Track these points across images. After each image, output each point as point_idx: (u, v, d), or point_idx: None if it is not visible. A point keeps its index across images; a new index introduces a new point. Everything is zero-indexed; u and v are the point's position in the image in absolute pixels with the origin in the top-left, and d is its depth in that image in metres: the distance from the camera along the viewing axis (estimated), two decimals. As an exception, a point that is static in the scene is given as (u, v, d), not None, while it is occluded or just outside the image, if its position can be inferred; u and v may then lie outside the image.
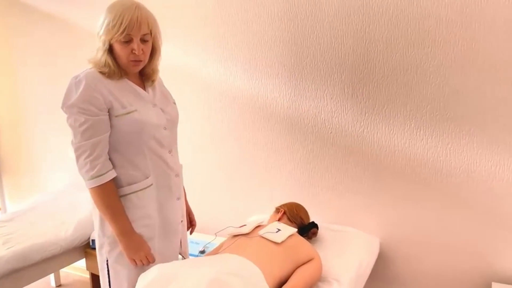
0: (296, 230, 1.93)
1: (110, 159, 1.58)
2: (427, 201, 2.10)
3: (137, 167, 1.62)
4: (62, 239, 2.57)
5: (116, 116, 1.54)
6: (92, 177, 1.52)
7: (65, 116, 1.54)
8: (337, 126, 2.24)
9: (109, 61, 1.54)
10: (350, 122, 2.21)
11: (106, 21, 1.50)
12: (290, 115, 2.36)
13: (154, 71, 1.69)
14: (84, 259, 2.77)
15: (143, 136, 1.59)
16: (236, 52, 2.44)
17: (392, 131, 2.12)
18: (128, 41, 1.51)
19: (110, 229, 1.62)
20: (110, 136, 1.56)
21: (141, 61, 1.57)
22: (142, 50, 1.54)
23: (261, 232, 1.85)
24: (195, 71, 2.58)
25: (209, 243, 2.37)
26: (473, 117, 1.94)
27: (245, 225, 1.98)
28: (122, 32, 1.48)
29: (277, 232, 1.86)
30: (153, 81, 1.70)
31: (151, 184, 1.65)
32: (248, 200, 2.58)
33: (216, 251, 1.96)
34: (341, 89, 2.20)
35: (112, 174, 1.56)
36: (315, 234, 2.14)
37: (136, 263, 1.60)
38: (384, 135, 2.14)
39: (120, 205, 1.58)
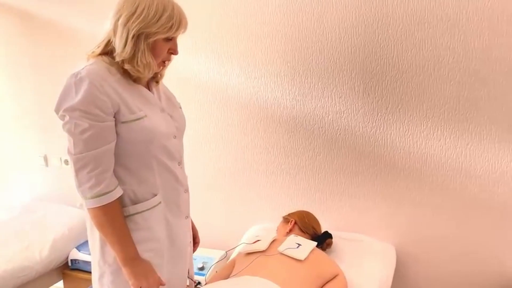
0: (316, 243, 1.76)
1: None
2: (445, 205, 1.99)
3: (144, 183, 1.38)
4: (37, 262, 2.26)
5: (123, 123, 1.29)
6: (98, 195, 1.27)
7: (56, 121, 1.27)
8: (347, 127, 2.09)
9: (152, 62, 1.32)
10: (361, 123, 2.06)
11: (158, 14, 1.28)
12: (293, 116, 2.18)
13: (163, 75, 1.49)
14: (62, 281, 2.47)
15: (152, 147, 1.36)
16: (232, 48, 2.22)
17: (407, 131, 1.99)
18: (169, 40, 1.34)
19: (112, 255, 1.37)
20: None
21: (167, 61, 1.40)
22: None
23: (281, 248, 1.67)
24: (185, 69, 2.34)
25: (217, 262, 2.16)
26: (494, 116, 1.84)
27: (259, 240, 1.78)
28: (178, 31, 1.32)
29: (297, 247, 1.68)
30: (157, 82, 1.48)
31: (160, 203, 1.42)
32: (248, 210, 2.38)
33: (227, 270, 1.76)
34: (351, 88, 2.05)
35: (119, 191, 1.32)
36: (330, 245, 1.98)
37: None
38: (399, 136, 2.01)
39: (127, 227, 1.34)
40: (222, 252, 2.30)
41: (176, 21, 1.31)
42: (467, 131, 1.90)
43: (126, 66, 1.30)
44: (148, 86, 1.44)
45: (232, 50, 2.22)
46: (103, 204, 1.27)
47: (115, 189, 1.29)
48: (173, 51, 1.36)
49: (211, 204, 2.44)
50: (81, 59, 1.33)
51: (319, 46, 2.06)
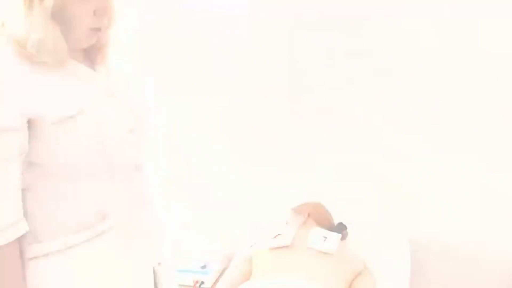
0: (340, 235, 1.67)
1: (35, 190, 0.94)
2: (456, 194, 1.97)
3: (85, 202, 0.98)
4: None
5: (53, 124, 0.90)
6: None
7: None
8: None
9: (59, 39, 0.88)
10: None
11: None
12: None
13: (108, 42, 1.04)
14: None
15: (96, 150, 0.96)
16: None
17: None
18: None
19: None
20: (39, 153, 0.92)
21: (101, 28, 0.97)
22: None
23: (309, 243, 1.56)
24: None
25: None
26: None
27: (279, 234, 1.66)
28: None
29: (325, 240, 1.58)
30: (103, 56, 1.04)
31: (110, 228, 1.01)
32: (247, 205, 2.23)
33: (246, 266, 1.65)
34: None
35: (23, 228, 0.90)
36: (345, 236, 1.90)
37: None
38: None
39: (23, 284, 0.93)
40: (224, 251, 2.15)
41: None
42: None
43: (16, 49, 0.87)
44: (89, 63, 1.01)
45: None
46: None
47: (17, 223, 0.89)
48: (101, 11, 0.93)
49: (207, 203, 2.25)
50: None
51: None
